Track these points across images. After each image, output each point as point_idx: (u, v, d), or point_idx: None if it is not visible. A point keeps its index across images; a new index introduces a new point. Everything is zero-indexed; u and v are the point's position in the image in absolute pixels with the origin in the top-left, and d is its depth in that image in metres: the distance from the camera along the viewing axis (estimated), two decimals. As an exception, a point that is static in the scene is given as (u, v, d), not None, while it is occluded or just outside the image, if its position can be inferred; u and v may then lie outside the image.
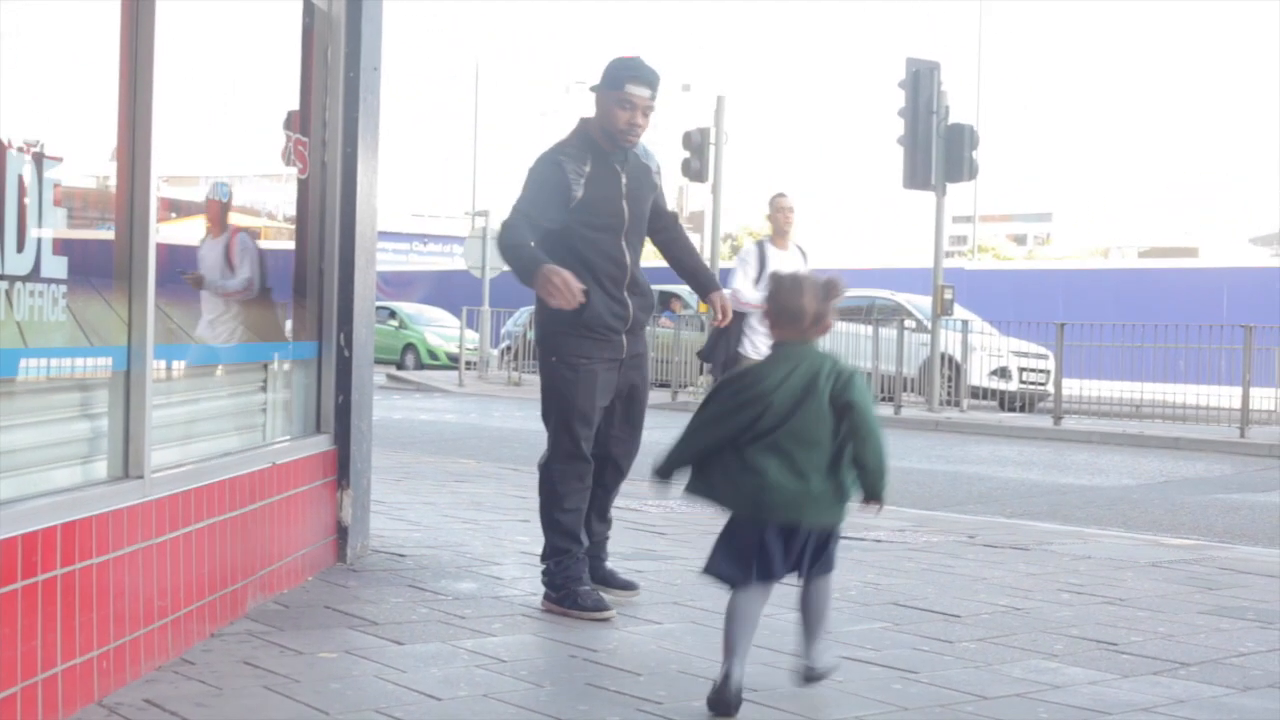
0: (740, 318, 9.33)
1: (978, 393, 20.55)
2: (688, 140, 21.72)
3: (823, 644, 4.17)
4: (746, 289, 9.71)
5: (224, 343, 5.16)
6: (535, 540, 6.98)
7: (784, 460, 3.89)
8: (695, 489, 4.05)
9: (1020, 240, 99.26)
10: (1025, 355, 21.00)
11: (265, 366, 5.55)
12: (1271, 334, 18.06)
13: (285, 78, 5.74)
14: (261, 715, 3.76)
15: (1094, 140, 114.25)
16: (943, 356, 19.91)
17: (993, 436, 17.02)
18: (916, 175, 19.38)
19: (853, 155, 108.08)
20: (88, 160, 4.02)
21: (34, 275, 3.56)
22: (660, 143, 7.29)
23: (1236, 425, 16.48)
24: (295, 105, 5.75)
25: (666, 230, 5.70)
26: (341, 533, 6.02)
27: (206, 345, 4.97)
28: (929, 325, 19.91)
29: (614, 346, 5.32)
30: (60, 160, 3.71)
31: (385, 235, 38.75)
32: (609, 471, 5.49)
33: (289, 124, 5.67)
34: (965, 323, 20.50)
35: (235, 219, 5.23)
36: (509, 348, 27.80)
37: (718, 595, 5.76)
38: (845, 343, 21.85)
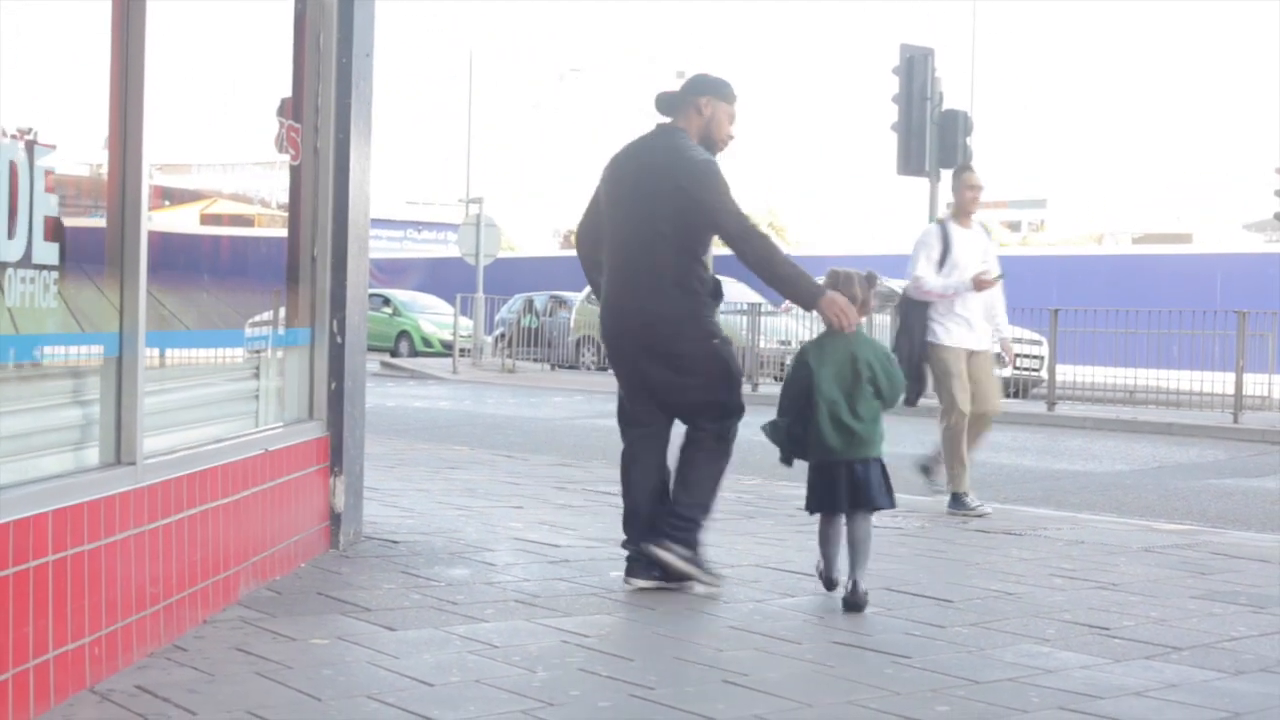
0: (921, 308, 8.22)
1: (972, 379, 20.52)
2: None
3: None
4: (930, 276, 8.21)
5: (217, 329, 5.15)
6: (528, 527, 7.00)
7: None
8: None
9: (1015, 226, 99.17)
10: (1019, 341, 20.97)
11: (258, 353, 5.55)
12: (1265, 319, 18.08)
13: (278, 64, 5.73)
14: (254, 701, 3.76)
15: (1088, 127, 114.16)
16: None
17: (986, 422, 17.01)
18: (910, 162, 19.36)
19: (847, 142, 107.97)
20: (80, 147, 4.01)
21: (25, 261, 3.55)
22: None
23: (1230, 411, 16.52)
24: (288, 91, 5.74)
25: None
26: (334, 519, 6.02)
27: (199, 331, 4.96)
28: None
29: None
30: (52, 147, 3.70)
31: (379, 222, 38.68)
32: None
33: (281, 110, 5.66)
34: (959, 309, 20.48)
35: (226, 206, 5.22)
36: (503, 335, 27.81)
37: (712, 581, 5.78)
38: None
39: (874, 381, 5.25)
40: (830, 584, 5.46)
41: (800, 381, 5.31)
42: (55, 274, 3.70)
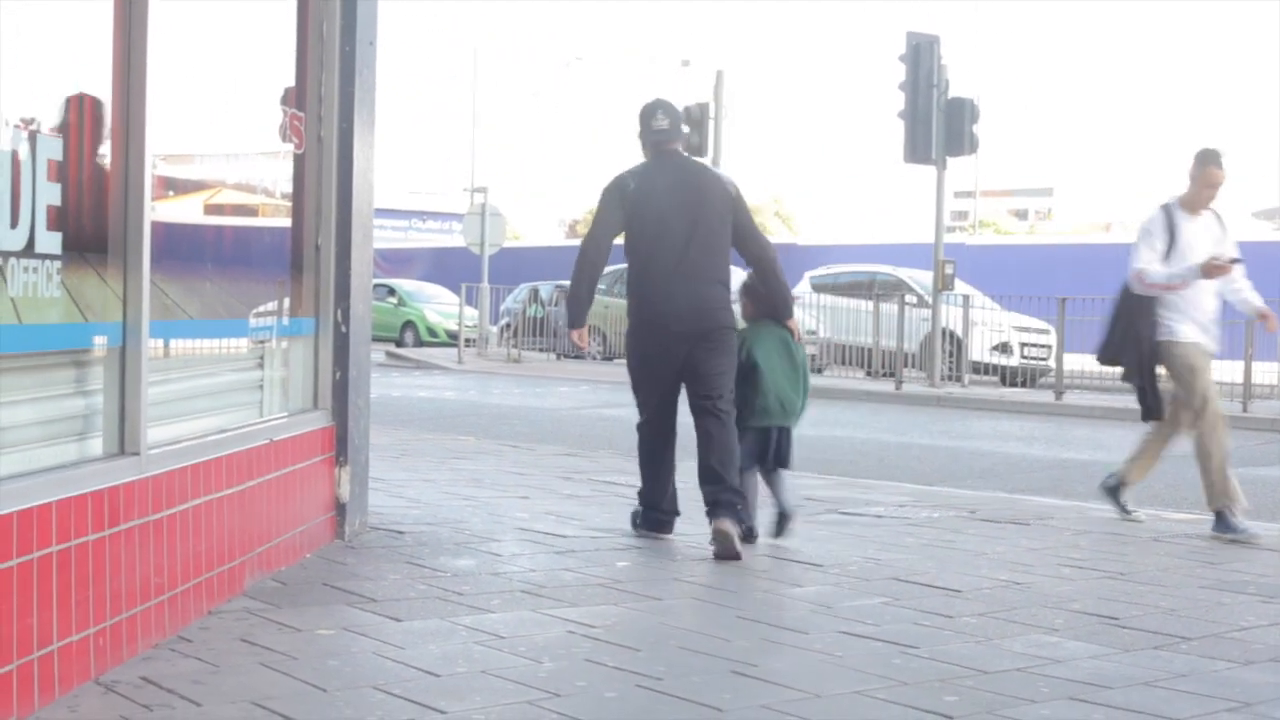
0: (1148, 305, 7.46)
1: (979, 368, 20.52)
2: (687, 115, 21.62)
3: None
4: (1154, 267, 7.44)
5: (221, 318, 5.13)
6: (534, 517, 6.99)
7: None
8: None
9: (1021, 215, 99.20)
10: (1027, 330, 20.98)
11: (262, 343, 5.53)
12: (1273, 307, 17.87)
13: (281, 52, 5.70)
14: (259, 692, 3.74)
15: (1096, 114, 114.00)
16: (944, 332, 19.89)
17: (994, 412, 17.02)
18: (917, 149, 19.34)
19: (854, 130, 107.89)
20: (83, 136, 3.99)
21: (28, 251, 3.54)
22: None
23: (1238, 400, 16.45)
24: (291, 80, 5.71)
25: None
26: (340, 509, 6.01)
27: (203, 321, 4.94)
28: (930, 300, 19.87)
29: None
30: (55, 136, 3.68)
31: (384, 212, 38.71)
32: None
33: (285, 99, 5.63)
34: (966, 298, 20.47)
35: (230, 196, 5.20)
36: (508, 325, 27.78)
37: (717, 571, 5.78)
38: (847, 318, 21.86)
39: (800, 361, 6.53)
40: (750, 534, 6.33)
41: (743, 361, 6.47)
42: (58, 263, 3.68)
